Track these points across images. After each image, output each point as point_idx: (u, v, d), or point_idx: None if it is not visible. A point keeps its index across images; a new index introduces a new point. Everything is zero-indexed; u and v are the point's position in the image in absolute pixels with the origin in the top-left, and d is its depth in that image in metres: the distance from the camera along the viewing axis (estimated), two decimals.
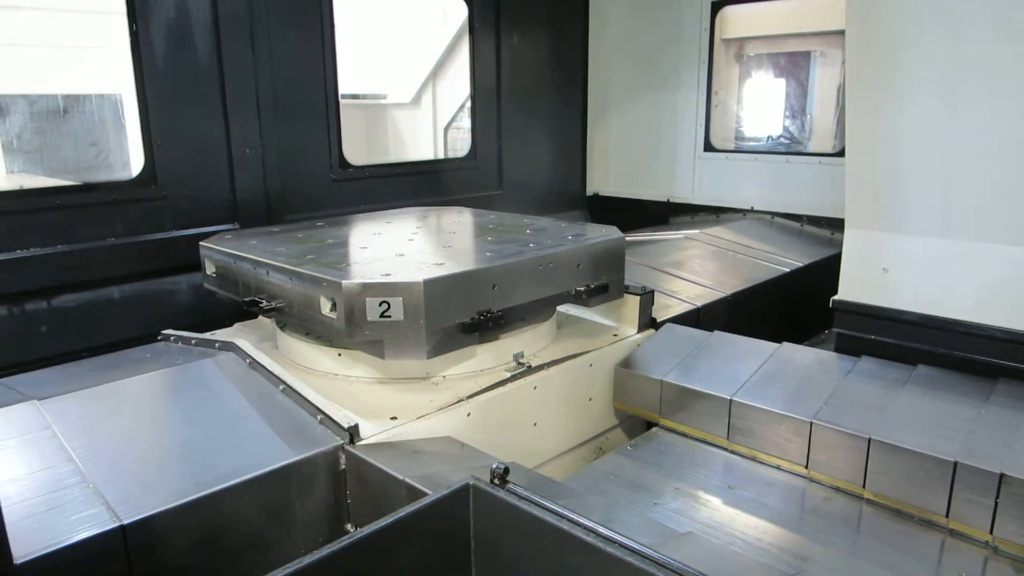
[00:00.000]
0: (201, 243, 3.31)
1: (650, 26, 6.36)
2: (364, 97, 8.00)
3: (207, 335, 3.22)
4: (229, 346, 2.93)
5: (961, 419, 2.69)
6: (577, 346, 3.29)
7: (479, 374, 2.90)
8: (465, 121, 7.47)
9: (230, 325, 3.53)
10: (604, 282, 3.23)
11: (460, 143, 7.97)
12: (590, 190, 6.96)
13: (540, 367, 3.03)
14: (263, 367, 2.70)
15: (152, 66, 3.88)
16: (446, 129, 8.06)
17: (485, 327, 2.69)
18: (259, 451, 2.20)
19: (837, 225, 5.71)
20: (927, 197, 3.01)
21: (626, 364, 3.36)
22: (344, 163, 4.85)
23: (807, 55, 9.29)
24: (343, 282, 2.46)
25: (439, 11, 8.09)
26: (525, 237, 3.27)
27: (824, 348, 3.91)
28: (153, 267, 3.95)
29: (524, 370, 2.98)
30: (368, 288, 2.47)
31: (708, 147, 6.33)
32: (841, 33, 8.43)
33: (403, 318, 2.49)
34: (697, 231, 5.58)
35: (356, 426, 2.31)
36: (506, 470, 1.78)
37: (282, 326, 3.08)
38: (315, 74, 4.62)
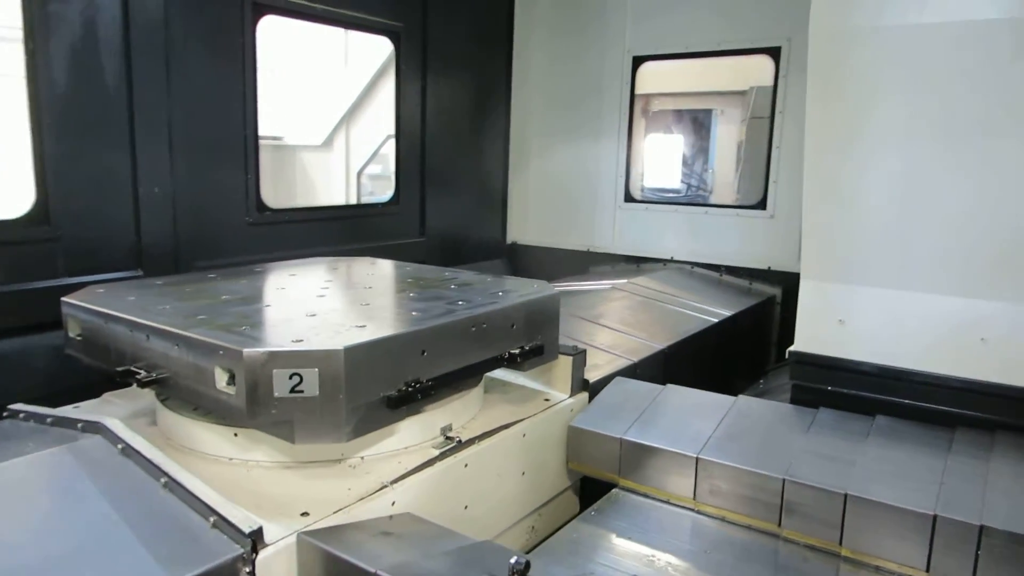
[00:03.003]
0: (63, 299, 2.76)
1: (572, 76, 6.31)
2: (263, 138, 7.62)
3: (66, 410, 2.67)
4: (95, 426, 2.38)
5: (929, 470, 2.62)
6: (507, 414, 3.00)
7: (402, 453, 2.56)
8: (377, 166, 7.19)
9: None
10: (539, 343, 2.96)
11: (375, 188, 7.67)
12: (509, 239, 6.77)
13: (471, 441, 2.72)
14: (139, 454, 2.21)
15: (50, 90, 3.45)
16: (360, 173, 7.74)
17: (413, 399, 2.36)
18: (131, 573, 1.77)
19: (755, 275, 5.74)
20: (883, 250, 2.98)
21: (581, 422, 3.12)
22: (261, 206, 4.47)
23: (708, 112, 9.62)
24: (244, 351, 2.08)
25: (346, 51, 7.84)
26: (451, 293, 2.98)
27: (769, 399, 3.80)
28: (43, 319, 3.36)
29: (454, 446, 2.65)
30: (276, 358, 2.10)
31: (628, 197, 6.27)
32: (740, 94, 8.82)
33: (318, 393, 2.13)
34: (624, 281, 5.46)
35: (259, 530, 1.91)
36: (527, 565, 1.49)
37: (164, 399, 2.63)
38: (234, 110, 4.26)
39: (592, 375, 3.45)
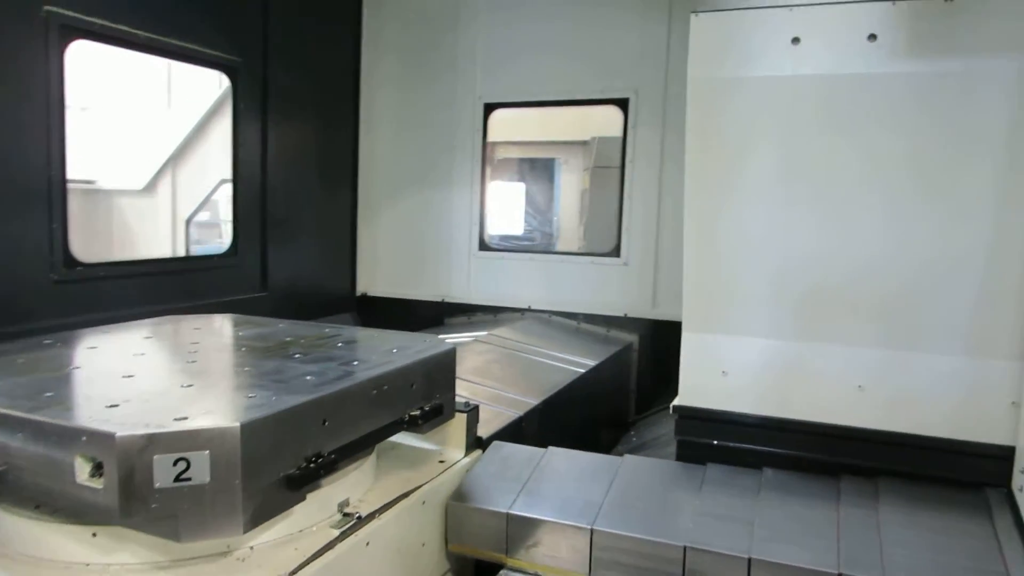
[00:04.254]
0: None
1: (423, 122, 6.14)
2: (73, 182, 6.69)
3: None
4: None
5: (824, 524, 2.62)
6: (404, 481, 2.71)
7: (298, 537, 2.18)
8: (209, 213, 6.56)
9: None
10: (438, 402, 2.71)
11: (205, 237, 6.98)
12: (359, 290, 6.40)
13: (371, 516, 2.40)
14: None
15: None
16: (189, 221, 7.02)
17: (316, 477, 2.02)
18: None
19: (612, 323, 5.80)
20: (761, 300, 2.99)
21: (459, 497, 2.85)
22: (70, 260, 3.81)
23: (551, 162, 9.87)
24: (117, 434, 1.66)
25: (170, 86, 7.19)
26: (341, 352, 2.65)
27: (648, 454, 3.75)
28: None
29: (354, 523, 2.32)
30: (157, 441, 1.69)
31: (483, 246, 6.15)
32: (582, 143, 9.14)
33: (209, 480, 1.74)
34: (485, 333, 5.29)
35: None
36: None
37: None
38: (36, 149, 3.62)
39: (482, 431, 3.23)
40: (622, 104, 5.63)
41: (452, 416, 2.89)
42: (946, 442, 2.75)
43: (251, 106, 5.08)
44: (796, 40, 2.67)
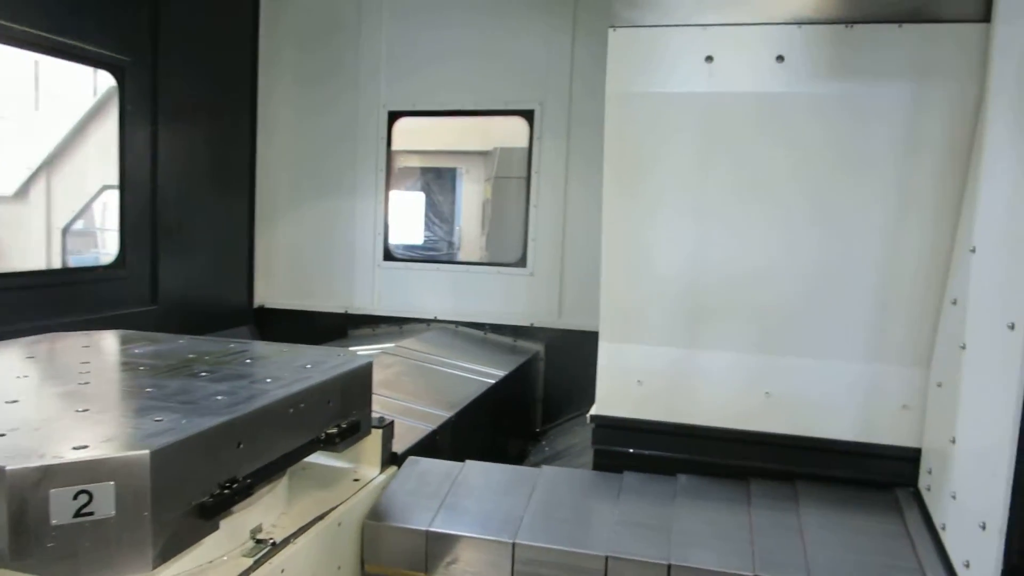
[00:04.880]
0: None
1: (325, 129, 5.97)
2: None
3: None
4: None
5: (737, 527, 2.69)
6: (318, 502, 2.60)
7: (208, 569, 2.04)
8: (89, 221, 6.12)
9: None
10: (355, 419, 2.61)
11: (85, 246, 6.49)
12: (257, 302, 6.13)
13: (286, 541, 2.28)
14: None
15: None
16: (65, 231, 6.49)
17: (231, 503, 1.89)
18: None
19: (518, 332, 5.81)
20: (674, 309, 3.05)
21: (376, 516, 2.75)
22: None
23: (453, 171, 9.85)
24: (7, 467, 1.49)
25: (37, 90, 6.67)
26: (251, 369, 2.51)
27: (563, 464, 3.77)
28: None
29: (268, 550, 2.20)
30: (53, 473, 1.53)
31: (388, 256, 6.04)
32: (483, 154, 9.17)
33: (114, 514, 1.59)
34: (392, 345, 5.18)
35: None
36: None
37: None
38: None
39: (396, 446, 3.15)
40: (527, 116, 5.67)
41: (369, 432, 2.80)
42: (850, 444, 2.89)
43: (140, 108, 4.78)
44: (710, 58, 2.75)
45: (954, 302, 2.63)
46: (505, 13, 5.62)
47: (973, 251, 2.47)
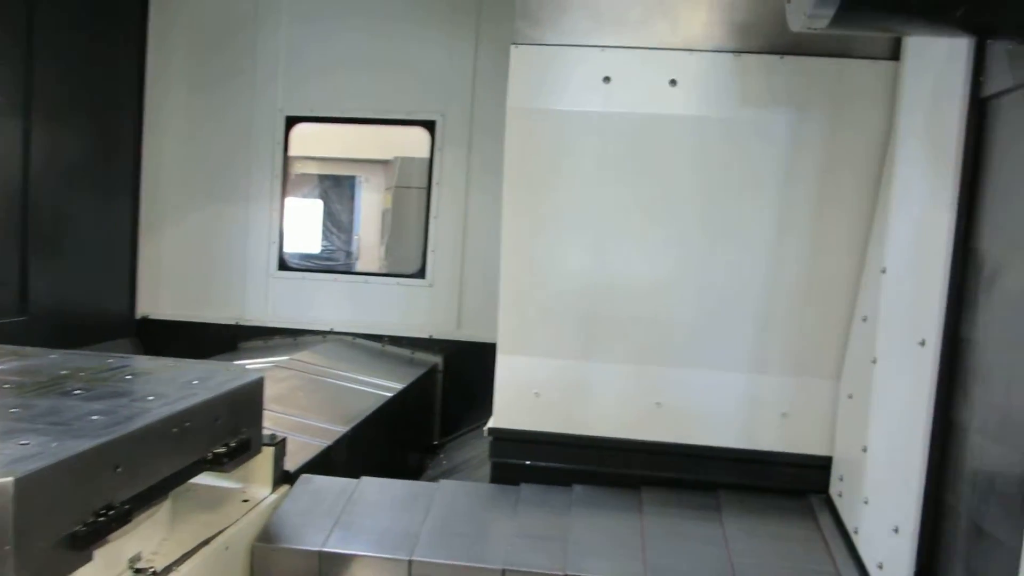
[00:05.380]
0: None
1: (218, 134, 5.74)
2: None
3: None
4: None
5: (632, 534, 2.77)
6: (203, 526, 2.48)
7: None
8: None
9: None
10: (245, 437, 2.51)
11: None
12: (140, 313, 5.81)
13: (168, 569, 2.16)
14: None
15: None
16: None
17: (107, 532, 1.77)
18: None
19: (416, 344, 5.76)
20: (570, 322, 3.11)
21: (266, 538, 2.66)
22: None
23: (352, 179, 9.67)
24: None
25: None
26: (132, 386, 2.37)
27: (462, 478, 3.75)
28: None
29: None
30: None
31: (283, 265, 5.86)
32: (383, 163, 9.07)
33: None
34: (286, 358, 5.02)
35: None
36: None
37: None
38: None
39: (289, 464, 3.06)
40: (429, 126, 5.65)
41: (260, 451, 2.70)
42: (735, 452, 3.02)
43: (11, 101, 4.45)
44: (607, 79, 2.83)
45: (864, 319, 2.78)
46: (408, 22, 5.59)
47: (884, 272, 2.61)
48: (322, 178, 8.50)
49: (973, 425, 2.03)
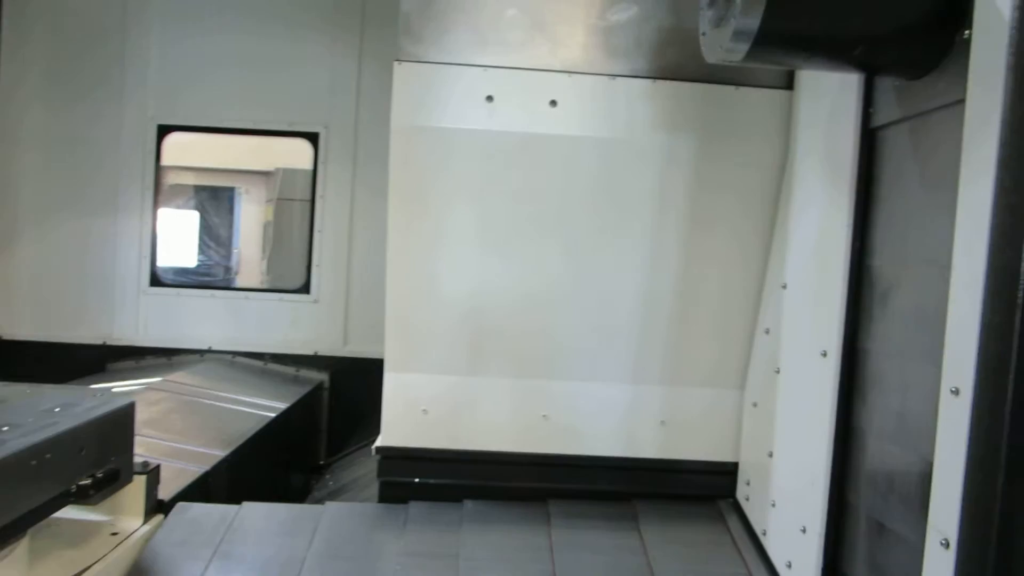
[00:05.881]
0: None
1: (81, 143, 5.41)
2: None
3: None
4: None
5: (521, 549, 2.78)
6: (67, 563, 2.33)
7: None
8: None
9: None
10: (114, 467, 2.37)
11: None
12: None
13: None
14: None
15: None
16: None
17: None
18: None
19: (301, 361, 5.63)
20: (456, 338, 3.10)
21: (137, 573, 2.54)
22: None
23: (231, 191, 9.29)
24: None
25: None
26: None
27: (349, 499, 3.69)
28: None
29: None
30: None
31: (155, 281, 5.57)
32: (264, 174, 8.78)
33: None
34: (159, 379, 4.77)
35: None
36: None
37: None
38: None
39: (163, 493, 2.91)
40: (312, 138, 5.54)
41: (131, 480, 2.56)
42: (616, 460, 3.12)
43: None
44: (490, 98, 2.87)
45: (767, 331, 2.92)
46: (290, 31, 5.47)
47: (785, 287, 2.76)
48: (199, 189, 8.14)
49: (872, 429, 2.18)
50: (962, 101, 1.65)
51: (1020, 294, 1.05)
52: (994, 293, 1.11)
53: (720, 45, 1.96)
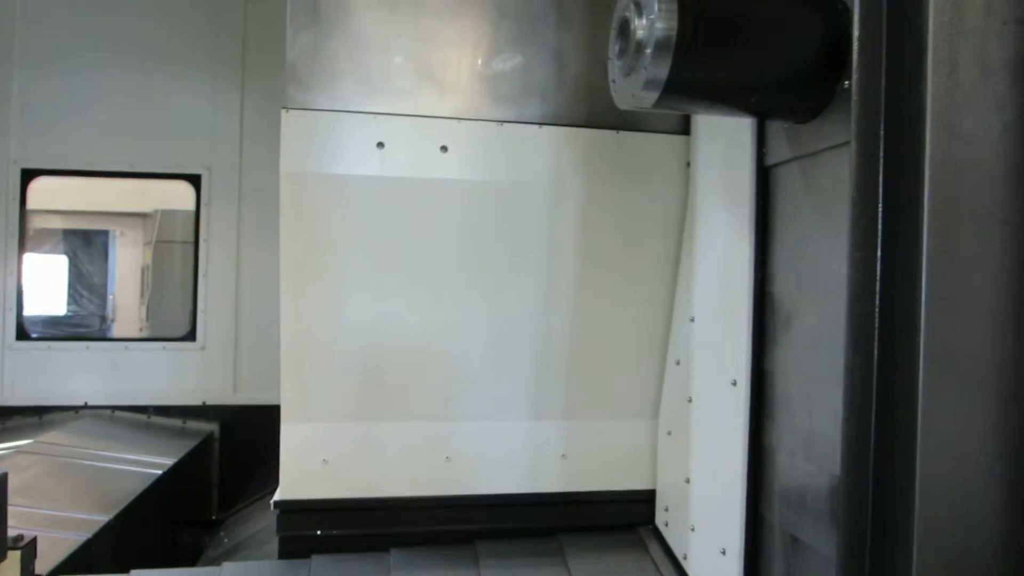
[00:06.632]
0: None
1: None
2: None
3: None
4: None
5: None
6: None
7: None
8: None
9: None
10: None
11: None
12: None
13: None
14: None
15: None
16: None
17: None
18: None
19: (188, 412, 5.39)
20: (355, 384, 3.06)
21: None
22: None
23: (105, 234, 8.77)
24: None
25: None
26: None
27: (246, 557, 3.55)
28: None
29: None
30: None
31: (22, 334, 5.20)
32: (141, 216, 8.36)
33: None
34: (29, 441, 4.44)
35: None
36: None
37: None
38: None
39: (40, 567, 2.71)
40: (194, 180, 5.36)
41: (4, 557, 2.37)
42: (522, 496, 3.15)
43: None
44: (381, 144, 2.88)
45: (678, 362, 3.02)
46: (168, 70, 5.30)
47: (693, 320, 2.87)
48: (68, 233, 7.67)
49: (783, 449, 2.30)
50: (845, 144, 1.79)
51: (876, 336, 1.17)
52: (856, 332, 1.24)
53: (631, 93, 2.08)
